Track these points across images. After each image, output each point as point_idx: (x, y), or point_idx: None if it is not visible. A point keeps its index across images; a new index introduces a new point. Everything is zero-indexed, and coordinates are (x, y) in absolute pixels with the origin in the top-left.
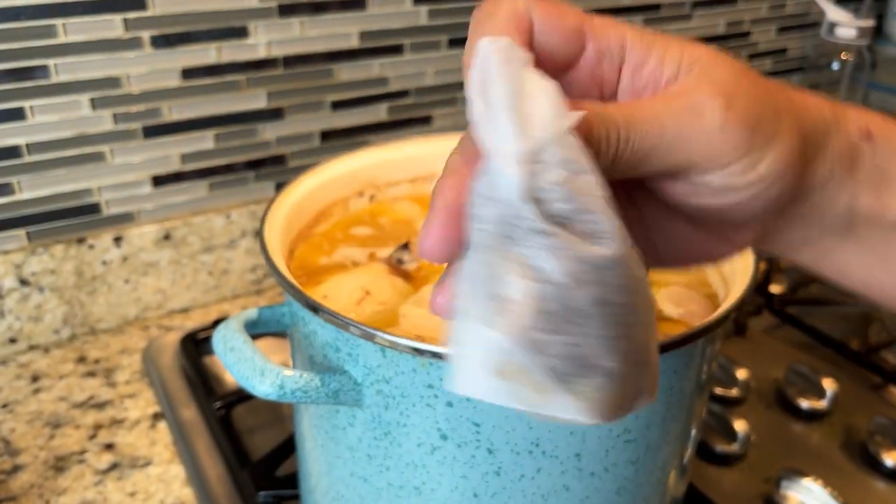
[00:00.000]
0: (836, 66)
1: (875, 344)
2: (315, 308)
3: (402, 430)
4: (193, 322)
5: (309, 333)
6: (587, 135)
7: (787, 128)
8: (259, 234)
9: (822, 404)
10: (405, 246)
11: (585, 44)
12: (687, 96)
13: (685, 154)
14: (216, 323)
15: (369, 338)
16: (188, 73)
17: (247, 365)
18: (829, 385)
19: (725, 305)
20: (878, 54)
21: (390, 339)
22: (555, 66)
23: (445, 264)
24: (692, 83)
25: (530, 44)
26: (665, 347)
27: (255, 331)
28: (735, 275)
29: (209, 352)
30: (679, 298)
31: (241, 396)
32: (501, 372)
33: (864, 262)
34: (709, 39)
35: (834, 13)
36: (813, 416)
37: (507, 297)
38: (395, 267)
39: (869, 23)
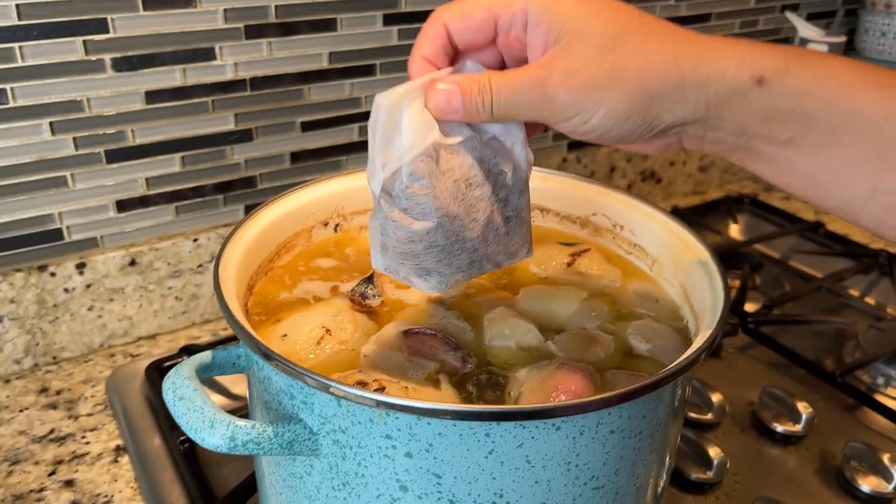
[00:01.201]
0: None
1: (849, 364)
2: (268, 356)
3: (360, 480)
4: (161, 349)
5: (264, 378)
6: (465, 101)
7: (625, 90)
8: (214, 273)
9: (796, 428)
10: (369, 279)
11: (497, 23)
12: (539, 69)
13: (535, 112)
14: (183, 351)
15: (324, 388)
16: (152, 96)
17: (196, 416)
18: (803, 408)
19: (693, 348)
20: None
21: (345, 389)
22: (479, 46)
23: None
24: (548, 57)
25: (451, 45)
26: (629, 395)
27: (210, 374)
28: (705, 310)
29: None
30: (649, 333)
31: None
32: (390, 270)
33: (784, 170)
34: None
35: (805, 30)
36: (788, 441)
37: (383, 243)
38: (358, 303)
39: (841, 39)
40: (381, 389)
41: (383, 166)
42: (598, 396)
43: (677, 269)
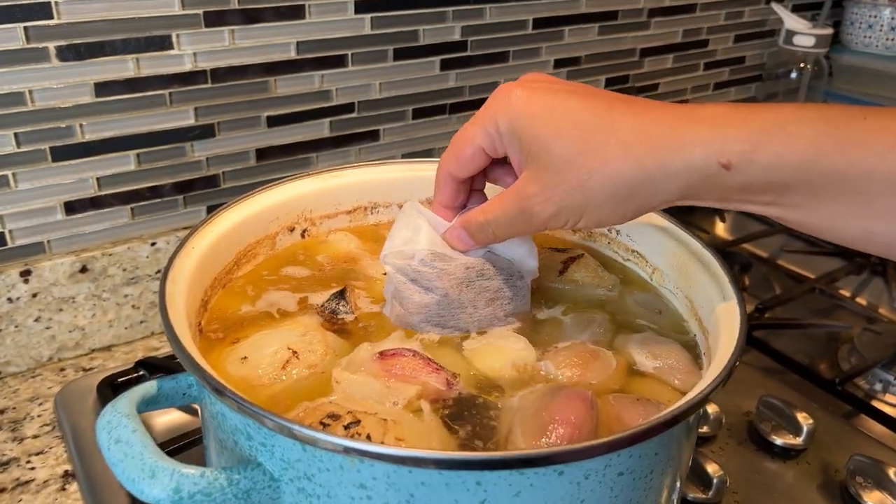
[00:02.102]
0: (794, 74)
1: (848, 371)
2: (219, 391)
3: None
4: (117, 362)
5: (217, 414)
6: (472, 235)
7: (598, 200)
8: (160, 290)
9: (797, 441)
10: (341, 293)
11: (484, 149)
12: (517, 197)
13: (530, 229)
14: (139, 364)
15: (285, 432)
16: (103, 89)
17: (134, 463)
18: (803, 419)
19: (711, 376)
20: (834, 63)
21: (310, 434)
22: (482, 170)
23: (383, 315)
24: (523, 182)
25: (461, 183)
26: (643, 435)
27: (156, 408)
28: (718, 326)
29: None
30: (655, 349)
31: (174, 448)
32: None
33: (779, 219)
34: (667, 48)
35: (792, 21)
36: (787, 454)
37: (402, 303)
38: (329, 319)
39: (827, 31)
40: (355, 423)
41: (405, 243)
42: (607, 439)
43: (682, 280)
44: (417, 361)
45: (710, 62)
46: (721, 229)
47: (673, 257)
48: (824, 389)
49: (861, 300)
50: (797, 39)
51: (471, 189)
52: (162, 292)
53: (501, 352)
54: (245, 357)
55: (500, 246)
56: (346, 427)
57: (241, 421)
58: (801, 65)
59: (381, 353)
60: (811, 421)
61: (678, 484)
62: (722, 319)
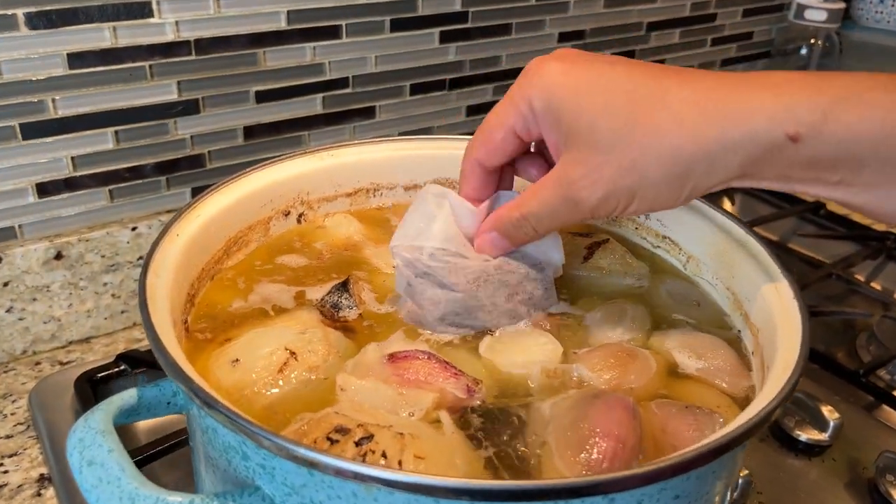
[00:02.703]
0: (804, 51)
1: (872, 362)
2: (209, 403)
3: None
4: (97, 355)
5: (207, 429)
6: (507, 236)
7: (652, 179)
8: (140, 283)
9: (822, 437)
10: (343, 285)
11: (516, 132)
12: (559, 185)
13: (576, 218)
14: (120, 358)
15: (285, 453)
16: (77, 60)
17: (110, 490)
18: (829, 413)
19: (778, 386)
20: (844, 39)
21: (315, 457)
22: (514, 158)
23: (392, 311)
24: (564, 167)
25: (488, 173)
26: (709, 455)
27: (137, 419)
28: (773, 325)
29: (112, 393)
30: (698, 347)
31: (158, 450)
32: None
33: (843, 203)
34: (674, 22)
35: None
36: (812, 451)
37: (414, 300)
38: (330, 316)
39: (839, 5)
40: (367, 438)
41: (417, 235)
42: (668, 462)
43: (722, 270)
44: (433, 365)
45: (717, 38)
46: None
47: (711, 245)
48: (847, 381)
49: (876, 285)
50: (808, 14)
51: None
52: (142, 286)
53: (526, 352)
54: (236, 360)
55: (516, 251)
56: (358, 443)
57: (234, 439)
58: (812, 41)
59: (392, 356)
60: (837, 415)
61: (728, 496)
62: (776, 317)
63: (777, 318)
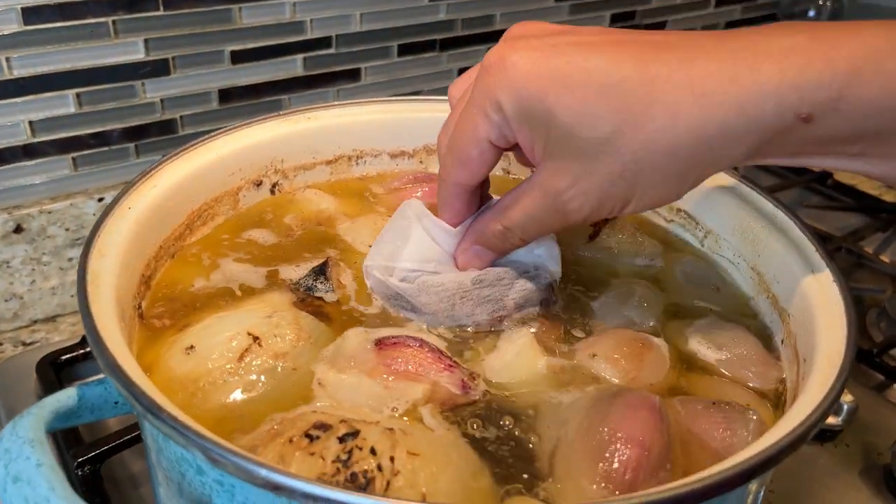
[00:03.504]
0: (812, 13)
1: (885, 341)
2: (153, 412)
3: None
4: (63, 335)
5: (157, 437)
6: (492, 248)
7: (648, 183)
8: (80, 266)
9: (835, 421)
10: (321, 269)
11: (492, 142)
12: (543, 193)
13: (564, 224)
14: (86, 339)
15: (247, 476)
16: (32, 15)
17: None
18: (843, 397)
19: (822, 393)
20: (851, 2)
21: (281, 480)
22: (494, 164)
23: (374, 298)
24: (549, 174)
25: (470, 192)
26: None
27: (78, 422)
28: (809, 310)
29: (79, 377)
30: (720, 337)
31: (124, 440)
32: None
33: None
34: None
35: None
36: (824, 436)
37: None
38: (304, 299)
39: None
40: (352, 435)
41: (390, 256)
42: (713, 478)
43: (746, 248)
44: (426, 354)
45: None
46: None
47: (733, 218)
48: (859, 360)
49: (885, 258)
50: None
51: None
52: (82, 268)
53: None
54: (191, 346)
55: (505, 261)
56: (342, 439)
57: (186, 452)
58: (821, 1)
59: (380, 342)
60: (851, 398)
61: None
62: (813, 302)
63: (814, 303)
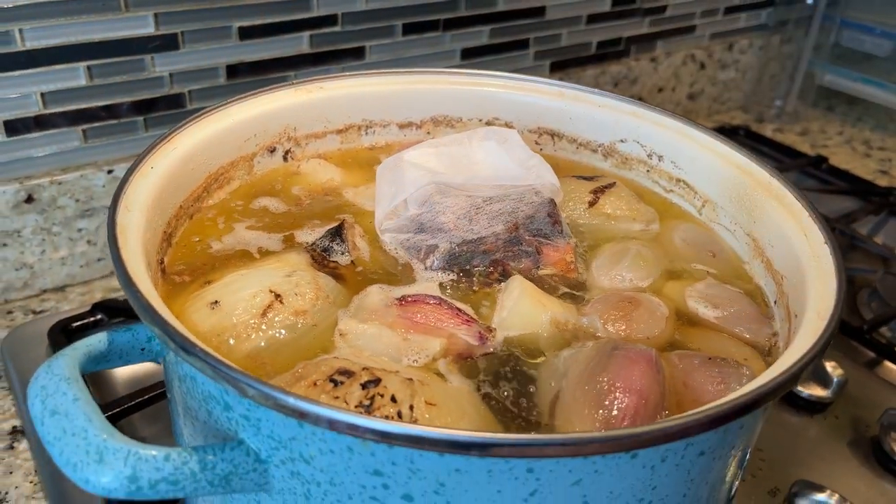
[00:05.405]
0: (809, 0)
1: (875, 318)
2: (186, 349)
3: None
4: (72, 304)
5: (185, 377)
6: None
7: None
8: (109, 219)
9: (824, 393)
10: (337, 231)
11: None
12: None
13: None
14: (97, 308)
15: (274, 403)
16: None
17: (75, 443)
18: (832, 369)
19: (817, 333)
20: None
21: (306, 407)
22: None
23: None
24: None
25: None
26: (746, 407)
27: (107, 366)
28: (801, 271)
29: None
30: (716, 296)
31: (135, 403)
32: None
33: None
34: None
35: None
36: (814, 408)
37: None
38: (320, 260)
39: None
40: (374, 382)
41: (392, 197)
42: (697, 417)
43: (742, 215)
44: (444, 310)
45: None
46: None
47: (730, 187)
48: (850, 337)
49: (878, 240)
50: None
51: None
52: (112, 220)
53: (536, 304)
54: (216, 301)
55: (504, 175)
56: (364, 386)
57: (215, 387)
58: None
59: (402, 299)
60: (841, 371)
61: (748, 454)
62: (804, 262)
63: (805, 263)
